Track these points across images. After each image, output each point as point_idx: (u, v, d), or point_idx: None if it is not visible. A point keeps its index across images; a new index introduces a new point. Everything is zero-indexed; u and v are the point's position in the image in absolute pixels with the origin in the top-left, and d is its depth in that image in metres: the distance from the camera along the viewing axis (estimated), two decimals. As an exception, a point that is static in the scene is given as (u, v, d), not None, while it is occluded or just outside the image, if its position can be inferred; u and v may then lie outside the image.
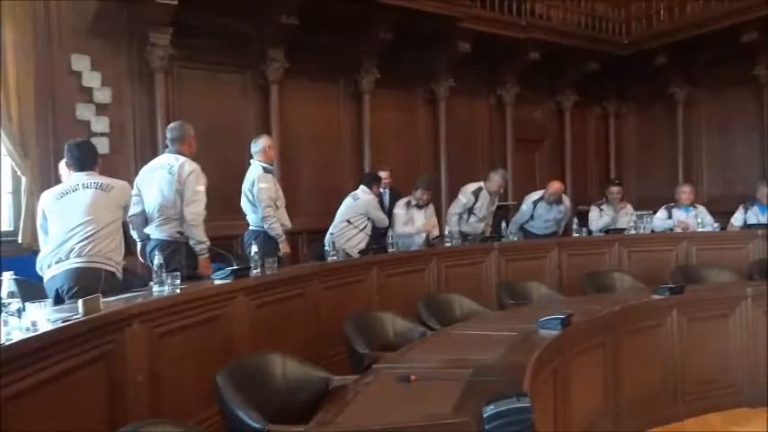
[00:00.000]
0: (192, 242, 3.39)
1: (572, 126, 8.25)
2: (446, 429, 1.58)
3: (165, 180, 3.37)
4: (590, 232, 5.63)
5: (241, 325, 2.93)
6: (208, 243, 3.44)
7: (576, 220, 5.67)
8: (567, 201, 5.79)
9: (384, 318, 2.98)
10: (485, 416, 1.48)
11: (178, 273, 2.74)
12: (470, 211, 5.43)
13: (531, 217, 5.61)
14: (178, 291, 2.64)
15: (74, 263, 2.80)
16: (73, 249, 2.81)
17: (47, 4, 4.71)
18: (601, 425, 2.94)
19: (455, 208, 5.47)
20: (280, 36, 5.59)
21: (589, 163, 8.71)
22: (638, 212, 5.91)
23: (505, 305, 3.66)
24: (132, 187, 3.33)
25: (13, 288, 1.85)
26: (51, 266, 2.83)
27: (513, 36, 6.80)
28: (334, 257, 4.08)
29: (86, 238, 2.82)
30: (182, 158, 3.41)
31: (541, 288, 3.98)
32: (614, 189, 5.89)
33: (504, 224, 5.45)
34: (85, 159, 3.00)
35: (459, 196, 5.52)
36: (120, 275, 2.94)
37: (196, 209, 3.35)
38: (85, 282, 2.76)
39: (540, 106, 8.20)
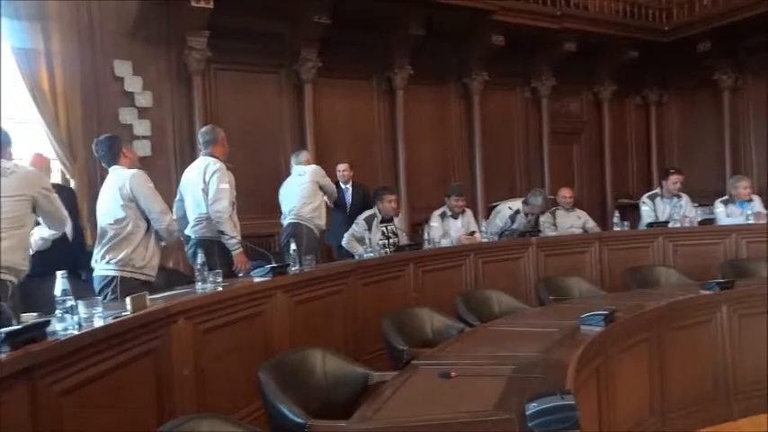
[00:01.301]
0: (224, 239, 3.47)
1: (611, 117, 8.02)
2: (489, 426, 1.56)
3: (195, 182, 3.51)
4: (632, 226, 5.43)
5: (281, 321, 2.98)
6: (238, 237, 3.51)
7: (617, 214, 5.51)
8: (579, 210, 5.56)
9: (422, 314, 2.97)
10: (527, 413, 1.46)
11: (220, 271, 2.81)
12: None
13: (555, 226, 5.38)
14: (220, 288, 2.70)
15: (98, 269, 2.99)
16: (96, 254, 2.99)
17: (89, 7, 4.88)
18: (648, 424, 2.86)
19: (491, 228, 5.16)
20: (313, 35, 5.64)
21: (629, 155, 8.45)
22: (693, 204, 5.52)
23: (545, 301, 3.59)
24: (145, 172, 3.27)
25: (66, 286, 1.92)
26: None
27: (547, 27, 6.65)
28: (371, 254, 4.08)
29: (100, 243, 2.98)
30: (209, 159, 3.52)
31: (582, 284, 3.89)
32: (674, 178, 5.29)
33: (540, 219, 5.35)
34: (105, 156, 3.12)
35: (496, 220, 5.29)
36: (143, 278, 2.96)
37: (220, 206, 3.42)
38: (101, 287, 2.93)
39: (576, 98, 8.01)
